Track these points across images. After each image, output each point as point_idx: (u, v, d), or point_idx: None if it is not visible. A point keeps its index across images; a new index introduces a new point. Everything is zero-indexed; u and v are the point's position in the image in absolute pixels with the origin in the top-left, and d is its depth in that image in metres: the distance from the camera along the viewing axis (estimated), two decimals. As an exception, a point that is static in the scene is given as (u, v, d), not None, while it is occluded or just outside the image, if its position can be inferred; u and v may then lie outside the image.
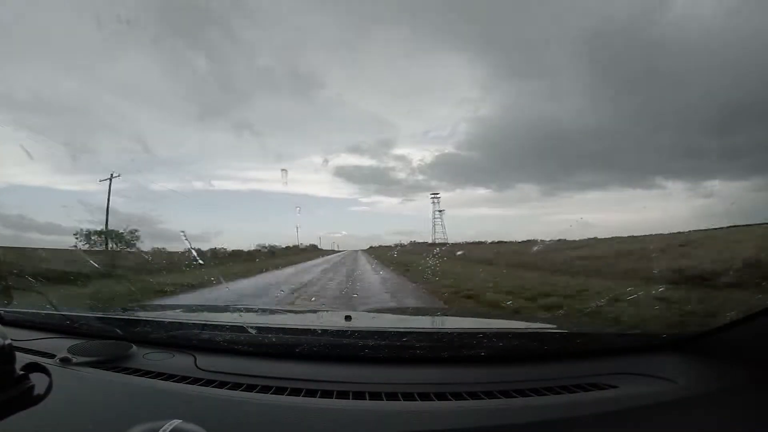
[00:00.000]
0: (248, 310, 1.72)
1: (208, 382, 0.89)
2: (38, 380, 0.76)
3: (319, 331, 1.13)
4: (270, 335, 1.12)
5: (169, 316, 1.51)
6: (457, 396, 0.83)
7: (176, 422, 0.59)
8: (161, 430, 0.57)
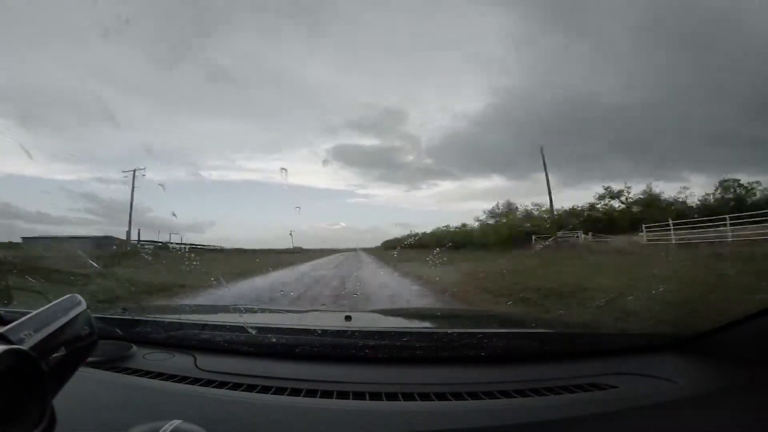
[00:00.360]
0: (248, 310, 1.72)
1: (208, 382, 0.89)
2: None
3: (319, 331, 1.13)
4: (270, 335, 1.12)
5: (169, 316, 1.51)
6: (457, 396, 0.83)
7: (176, 422, 0.59)
8: (161, 430, 0.57)
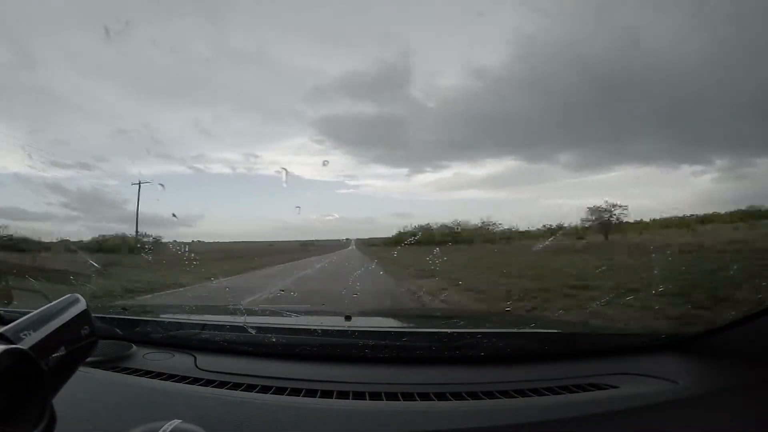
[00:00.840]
0: (248, 310, 1.72)
1: (208, 382, 0.89)
2: None
3: (319, 331, 1.13)
4: (270, 335, 1.12)
5: (169, 316, 1.51)
6: (457, 396, 0.83)
7: (176, 422, 0.59)
8: (161, 430, 0.57)
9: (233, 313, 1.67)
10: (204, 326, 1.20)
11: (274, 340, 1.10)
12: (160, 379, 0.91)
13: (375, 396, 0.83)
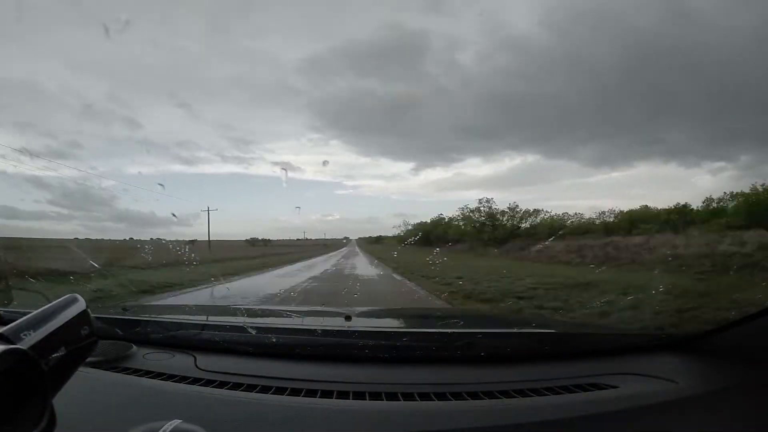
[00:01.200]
0: (248, 310, 1.72)
1: (208, 382, 0.90)
2: None
3: (319, 331, 1.13)
4: (270, 335, 1.12)
5: (169, 316, 1.51)
6: (457, 396, 0.83)
7: (176, 422, 0.59)
8: (161, 430, 0.57)
9: (233, 313, 1.67)
10: (204, 326, 1.20)
11: (274, 340, 1.10)
12: (161, 379, 0.91)
13: (375, 396, 0.83)
